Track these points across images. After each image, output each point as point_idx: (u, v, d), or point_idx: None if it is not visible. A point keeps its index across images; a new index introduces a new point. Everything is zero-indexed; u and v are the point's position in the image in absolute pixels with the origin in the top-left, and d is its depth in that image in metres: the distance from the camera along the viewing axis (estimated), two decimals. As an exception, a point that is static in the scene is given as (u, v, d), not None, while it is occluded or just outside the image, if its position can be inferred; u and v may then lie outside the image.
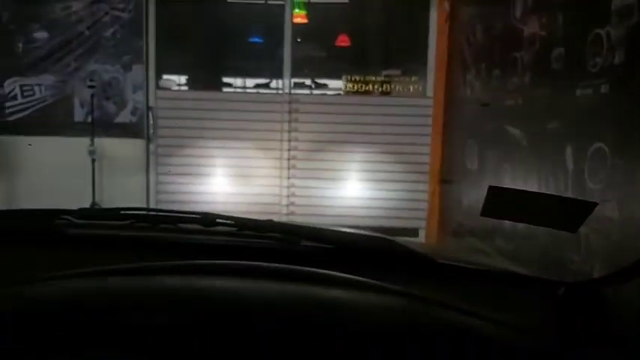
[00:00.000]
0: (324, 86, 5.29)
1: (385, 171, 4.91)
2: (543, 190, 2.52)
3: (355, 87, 4.92)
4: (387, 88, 4.90)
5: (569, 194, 2.28)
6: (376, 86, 4.93)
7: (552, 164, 2.47)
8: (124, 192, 4.93)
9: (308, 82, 5.16)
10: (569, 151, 2.34)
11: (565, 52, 2.46)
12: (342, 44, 5.02)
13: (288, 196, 4.97)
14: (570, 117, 2.37)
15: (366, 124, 4.88)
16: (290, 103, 4.90)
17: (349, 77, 4.94)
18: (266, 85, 5.23)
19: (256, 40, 5.13)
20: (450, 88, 4.61)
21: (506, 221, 3.18)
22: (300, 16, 4.89)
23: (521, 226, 2.59)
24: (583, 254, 2.09)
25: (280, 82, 4.94)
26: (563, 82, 2.47)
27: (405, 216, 4.94)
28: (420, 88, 4.88)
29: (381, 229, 5.02)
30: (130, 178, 4.92)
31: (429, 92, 4.83)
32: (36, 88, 4.86)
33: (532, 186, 2.69)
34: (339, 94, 4.99)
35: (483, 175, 3.62)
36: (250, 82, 5.35)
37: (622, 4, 1.98)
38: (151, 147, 4.92)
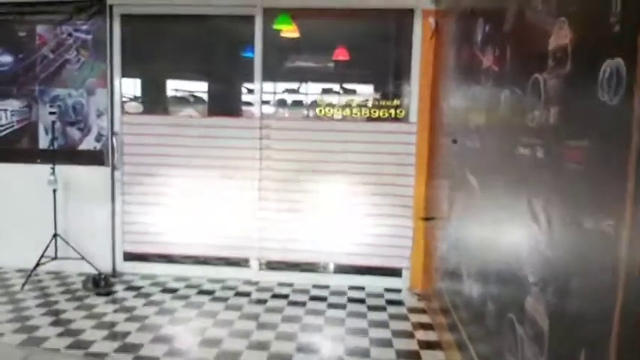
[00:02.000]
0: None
1: (365, 204, 4.43)
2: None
3: (328, 110, 4.47)
4: (366, 112, 4.41)
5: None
6: (354, 110, 4.46)
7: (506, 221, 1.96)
8: (88, 222, 4.69)
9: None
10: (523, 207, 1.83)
11: (510, 96, 1.94)
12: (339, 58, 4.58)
13: (259, 230, 4.58)
14: (515, 174, 1.86)
15: (346, 152, 4.42)
16: (261, 128, 4.50)
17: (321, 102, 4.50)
18: (246, 104, 4.85)
19: (232, 54, 4.78)
20: (435, 113, 4.08)
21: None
22: (289, 30, 4.50)
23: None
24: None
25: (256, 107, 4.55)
26: (508, 134, 1.95)
27: (388, 254, 4.45)
28: (404, 113, 4.37)
29: (363, 269, 4.57)
30: (95, 208, 4.67)
31: (412, 117, 4.32)
32: (2, 114, 4.68)
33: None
34: (314, 118, 4.55)
35: (451, 221, 3.11)
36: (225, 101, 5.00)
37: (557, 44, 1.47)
38: (117, 175, 4.65)
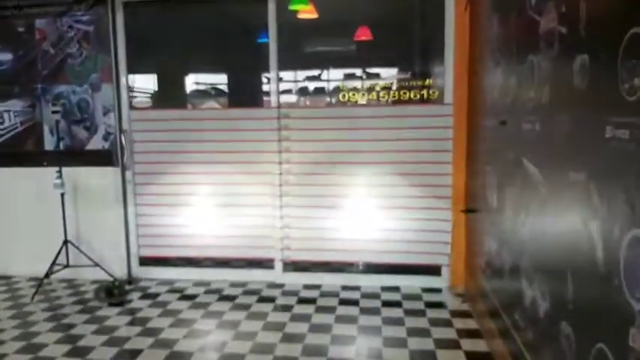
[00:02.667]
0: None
1: (398, 196, 4.01)
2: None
3: (351, 95, 4.04)
4: (395, 95, 3.97)
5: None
6: (380, 94, 4.02)
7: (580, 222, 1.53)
8: (100, 226, 4.40)
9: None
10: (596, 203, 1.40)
11: (591, 63, 1.50)
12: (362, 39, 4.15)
13: (281, 228, 4.21)
14: (601, 164, 1.43)
15: (373, 140, 3.99)
16: (279, 118, 4.11)
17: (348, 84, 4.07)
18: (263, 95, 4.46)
19: (245, 42, 4.38)
20: (473, 92, 3.62)
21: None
22: (306, 11, 4.07)
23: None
24: None
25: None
26: (588, 113, 1.51)
27: (425, 250, 4.02)
28: (437, 93, 3.91)
29: (397, 267, 4.16)
30: (107, 211, 4.37)
31: (448, 98, 3.86)
32: (4, 115, 4.41)
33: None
34: (336, 104, 4.13)
35: (503, 214, 2.67)
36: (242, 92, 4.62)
37: None
38: (128, 175, 4.33)
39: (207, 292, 4.07)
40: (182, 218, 4.34)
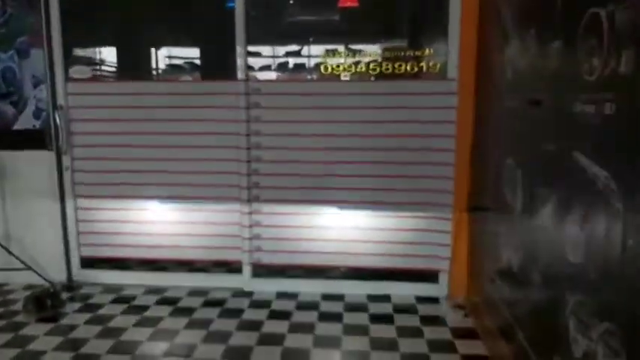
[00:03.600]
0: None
1: (389, 189, 3.36)
2: None
3: (334, 67, 3.35)
4: (387, 67, 3.29)
5: None
6: (370, 66, 3.34)
7: None
8: (33, 221, 3.67)
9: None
10: None
11: None
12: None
13: (250, 226, 3.54)
14: None
15: (360, 123, 3.33)
16: (248, 94, 3.40)
17: (329, 51, 3.37)
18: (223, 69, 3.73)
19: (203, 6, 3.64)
20: (486, 65, 2.97)
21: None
22: None
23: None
24: None
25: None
26: None
27: (420, 253, 3.41)
28: (438, 66, 3.25)
29: (387, 272, 3.54)
30: (41, 204, 3.64)
31: (452, 72, 3.20)
32: None
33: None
34: (315, 80, 3.44)
35: (533, 220, 2.05)
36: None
37: None
38: (65, 160, 3.60)
39: (159, 303, 3.40)
40: (132, 213, 3.64)
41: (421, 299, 3.39)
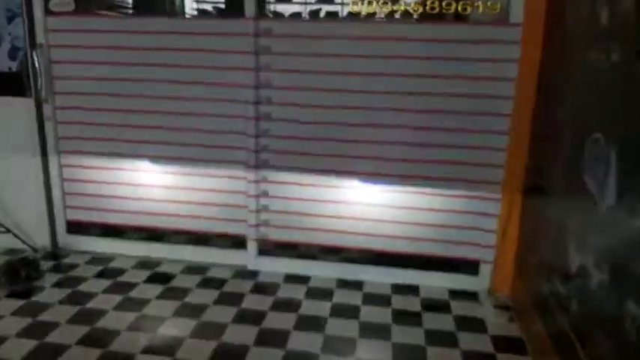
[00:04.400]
0: None
1: (425, 160, 2.76)
2: None
3: (372, 5, 2.68)
4: (434, 6, 2.61)
5: None
6: (413, 5, 2.67)
7: None
8: (13, 179, 3.21)
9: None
10: None
11: None
12: None
13: (257, 195, 3.00)
14: None
15: (393, 76, 2.69)
16: (257, 36, 2.79)
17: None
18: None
19: None
20: (560, 5, 2.27)
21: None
22: None
23: None
24: None
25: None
26: None
27: (459, 239, 2.82)
28: (499, 6, 2.55)
29: (416, 259, 2.98)
30: (21, 159, 3.17)
31: (516, 16, 2.50)
32: None
33: None
34: (342, 20, 2.79)
35: (625, 217, 1.45)
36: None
37: None
38: (46, 110, 3.09)
39: (149, 280, 2.93)
40: (124, 173, 3.14)
41: (456, 293, 2.83)
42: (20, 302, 2.66)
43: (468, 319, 2.58)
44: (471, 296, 2.80)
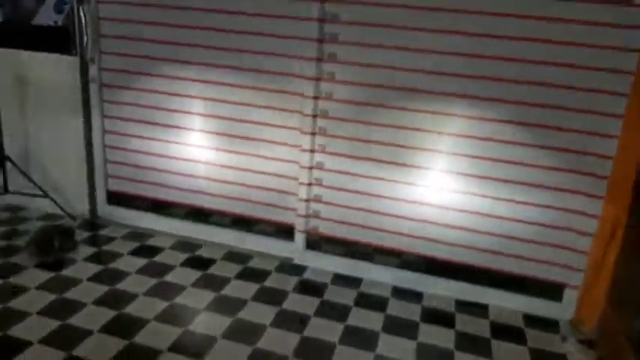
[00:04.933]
0: None
1: (506, 160, 2.33)
2: None
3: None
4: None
5: None
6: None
7: None
8: (56, 141, 3.04)
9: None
10: None
11: None
12: None
13: (310, 184, 2.67)
14: None
15: (481, 58, 2.26)
16: (323, 21, 2.42)
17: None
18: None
19: None
20: None
21: None
22: None
23: None
24: None
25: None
26: None
27: (543, 257, 2.40)
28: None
29: (487, 274, 2.58)
30: (64, 120, 2.98)
31: (649, -8, 2.02)
32: None
33: None
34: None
35: None
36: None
37: None
38: (92, 70, 2.86)
39: (187, 264, 2.69)
40: (169, 145, 2.89)
41: (532, 320, 2.41)
42: (49, 275, 2.48)
43: (547, 354, 2.17)
44: (551, 325, 2.38)
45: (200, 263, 2.70)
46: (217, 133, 2.77)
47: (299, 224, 2.74)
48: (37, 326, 2.08)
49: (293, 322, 2.25)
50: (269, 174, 2.73)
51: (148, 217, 3.05)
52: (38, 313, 2.18)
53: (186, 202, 2.96)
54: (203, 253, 2.82)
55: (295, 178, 2.68)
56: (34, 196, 2.99)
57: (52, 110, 2.97)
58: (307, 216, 2.71)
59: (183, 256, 2.76)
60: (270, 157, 2.70)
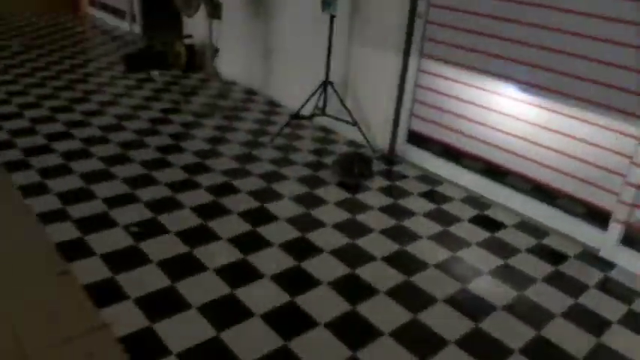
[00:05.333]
0: None
1: None
2: None
3: None
4: None
5: None
6: None
7: None
8: (371, 73, 3.17)
9: None
10: None
11: None
12: None
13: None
14: None
15: None
16: None
17: None
18: None
19: None
20: None
21: None
22: None
23: None
24: None
25: None
26: None
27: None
28: None
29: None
30: (384, 53, 3.06)
31: None
32: None
33: None
34: None
35: None
36: None
37: None
38: (420, 5, 2.81)
39: (475, 222, 2.51)
40: (481, 93, 2.69)
41: None
42: (346, 195, 2.64)
43: None
44: None
45: (489, 223, 2.50)
46: (541, 87, 2.43)
47: (618, 212, 2.25)
48: (330, 238, 2.23)
49: (589, 321, 1.88)
50: (594, 145, 2.29)
51: (442, 164, 2.96)
52: (333, 226, 2.34)
53: (485, 156, 2.75)
54: (492, 214, 2.60)
55: (629, 156, 2.18)
56: (345, 122, 3.21)
57: (374, 43, 3.07)
58: (632, 205, 2.20)
59: (471, 212, 2.60)
60: (600, 125, 2.25)
